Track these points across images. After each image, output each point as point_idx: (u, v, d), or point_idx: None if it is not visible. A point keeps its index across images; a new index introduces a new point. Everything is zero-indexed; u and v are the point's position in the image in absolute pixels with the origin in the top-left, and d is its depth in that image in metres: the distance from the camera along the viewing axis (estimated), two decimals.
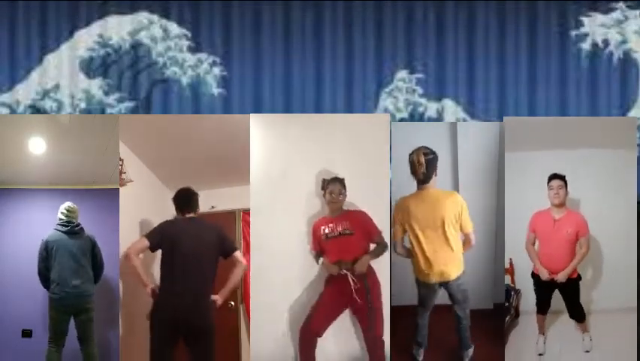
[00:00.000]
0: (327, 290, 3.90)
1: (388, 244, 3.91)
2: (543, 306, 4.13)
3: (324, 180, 3.94)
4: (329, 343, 3.96)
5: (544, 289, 4.10)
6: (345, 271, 3.81)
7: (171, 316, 3.78)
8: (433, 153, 3.83)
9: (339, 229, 3.87)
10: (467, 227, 3.87)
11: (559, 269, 4.03)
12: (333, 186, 3.90)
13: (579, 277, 4.06)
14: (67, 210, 4.18)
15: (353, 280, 3.80)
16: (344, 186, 3.91)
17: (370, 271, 3.87)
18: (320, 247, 3.93)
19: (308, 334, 3.84)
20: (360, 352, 4.01)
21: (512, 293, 4.18)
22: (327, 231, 3.89)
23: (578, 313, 4.09)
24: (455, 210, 3.83)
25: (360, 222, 3.90)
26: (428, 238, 3.85)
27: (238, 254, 3.94)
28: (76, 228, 4.16)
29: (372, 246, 3.92)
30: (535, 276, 4.12)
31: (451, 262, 3.86)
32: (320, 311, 3.86)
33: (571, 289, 4.06)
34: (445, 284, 3.89)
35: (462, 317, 3.93)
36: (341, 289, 3.83)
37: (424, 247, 3.86)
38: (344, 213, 3.93)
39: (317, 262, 3.96)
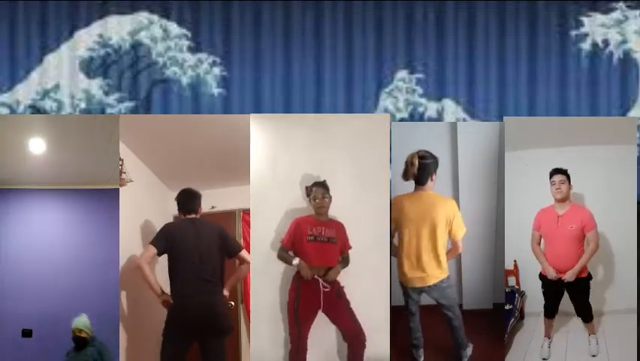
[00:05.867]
0: (301, 298, 3.86)
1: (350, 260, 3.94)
2: (551, 310, 4.02)
3: (307, 188, 3.95)
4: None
5: (552, 290, 3.99)
6: (317, 276, 3.83)
7: (187, 318, 3.77)
8: (434, 157, 3.82)
9: (328, 235, 3.89)
10: (458, 235, 3.85)
11: (566, 268, 3.92)
12: (316, 190, 3.91)
13: (589, 276, 3.95)
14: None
15: (324, 285, 3.82)
16: (327, 189, 3.92)
17: None
18: (298, 246, 3.90)
19: (300, 349, 3.85)
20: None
21: (516, 295, 4.14)
22: (314, 233, 3.89)
23: (585, 313, 3.98)
24: (448, 215, 3.82)
25: (341, 233, 3.94)
26: (413, 239, 3.84)
27: (244, 253, 3.96)
28: None
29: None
30: (543, 277, 4.03)
31: (431, 268, 3.85)
32: (302, 320, 3.86)
33: (580, 288, 3.94)
34: (425, 289, 3.88)
35: (452, 318, 3.91)
36: (312, 293, 3.84)
37: (408, 249, 3.86)
38: (330, 220, 3.95)
39: (286, 261, 3.91)
